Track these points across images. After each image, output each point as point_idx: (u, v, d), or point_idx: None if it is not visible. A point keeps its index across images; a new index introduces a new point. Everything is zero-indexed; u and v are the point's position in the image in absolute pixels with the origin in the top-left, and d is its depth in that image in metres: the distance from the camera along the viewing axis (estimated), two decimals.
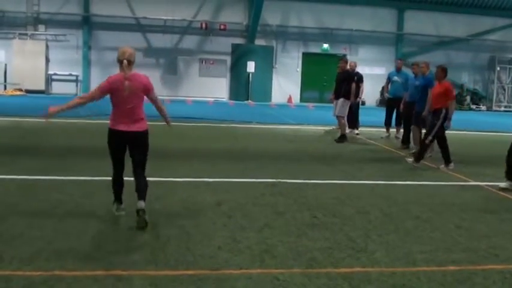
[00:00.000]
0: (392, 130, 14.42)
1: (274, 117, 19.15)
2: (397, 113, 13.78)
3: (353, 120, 14.62)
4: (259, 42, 28.64)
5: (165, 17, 27.63)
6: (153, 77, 26.77)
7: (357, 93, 14.35)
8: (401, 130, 13.29)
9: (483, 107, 31.35)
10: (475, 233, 5.93)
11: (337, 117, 13.38)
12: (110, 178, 5.94)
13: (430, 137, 9.82)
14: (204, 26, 28.18)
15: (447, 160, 9.93)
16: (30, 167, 8.48)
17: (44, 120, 5.89)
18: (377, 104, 28.22)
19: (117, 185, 5.90)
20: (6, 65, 26.23)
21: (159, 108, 5.87)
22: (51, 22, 27.07)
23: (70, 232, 5.30)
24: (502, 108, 31.73)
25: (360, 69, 15.65)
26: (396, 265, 4.80)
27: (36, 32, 26.99)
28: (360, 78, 14.64)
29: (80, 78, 27.22)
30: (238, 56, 28.40)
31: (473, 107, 31.04)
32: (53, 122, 14.67)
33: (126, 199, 6.09)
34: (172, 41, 28.38)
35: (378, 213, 6.57)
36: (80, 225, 5.53)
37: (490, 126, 18.75)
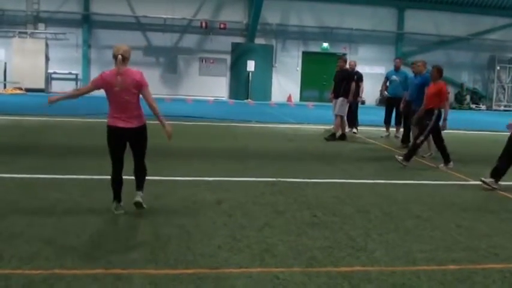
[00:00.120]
0: (392, 129, 14.42)
1: (274, 116, 19.14)
2: (396, 112, 13.79)
3: (352, 119, 14.62)
4: (259, 41, 28.64)
5: (165, 16, 27.63)
6: (153, 75, 26.91)
7: (357, 92, 14.34)
8: (401, 129, 13.30)
9: (483, 107, 31.36)
10: (475, 232, 5.93)
11: (336, 116, 13.37)
12: (109, 177, 5.94)
13: (421, 137, 9.79)
14: (204, 24, 28.19)
15: (446, 159, 9.93)
16: (30, 165, 8.47)
17: (46, 105, 5.98)
18: (377, 103, 28.25)
19: (116, 183, 5.91)
20: (6, 63, 26.24)
21: (150, 106, 5.69)
22: (51, 20, 27.07)
23: (69, 231, 5.30)
24: (502, 108, 31.75)
25: (359, 69, 15.65)
26: (396, 264, 4.80)
27: (36, 31, 27.00)
28: (359, 78, 14.63)
29: (80, 76, 27.23)
30: (238, 55, 28.40)
31: (473, 106, 31.06)
32: (52, 120, 14.69)
33: (126, 198, 6.09)
34: (172, 39, 28.38)
35: (378, 212, 6.57)
36: (79, 224, 5.53)
37: (489, 126, 18.75)
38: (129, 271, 4.33)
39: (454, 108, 29.95)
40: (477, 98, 31.73)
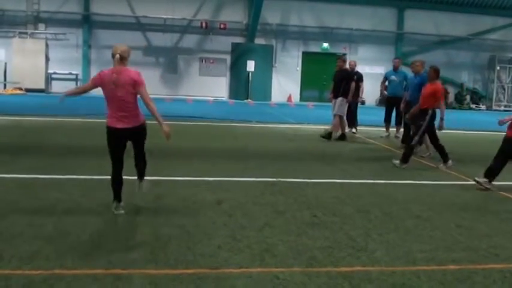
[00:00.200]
0: (392, 129, 14.41)
1: (274, 116, 19.14)
2: (396, 111, 13.79)
3: (351, 119, 14.62)
4: (259, 41, 28.64)
5: (165, 16, 27.63)
6: (153, 76, 26.92)
7: (357, 92, 14.34)
8: (401, 129, 13.30)
9: (483, 107, 31.36)
10: (475, 232, 5.93)
11: (334, 115, 13.37)
12: (109, 177, 5.95)
13: (416, 138, 9.79)
14: (204, 25, 28.19)
15: (445, 158, 9.92)
16: (30, 165, 8.47)
17: (61, 98, 6.08)
18: (377, 103, 28.25)
19: (116, 183, 5.91)
20: (6, 63, 26.24)
21: (147, 105, 5.66)
22: (51, 21, 27.07)
23: (70, 231, 5.30)
24: (502, 108, 31.74)
25: (359, 69, 15.66)
26: (396, 264, 4.80)
27: (36, 31, 27.00)
28: (359, 78, 14.62)
29: (80, 77, 27.23)
30: (238, 55, 28.40)
31: (473, 106, 31.06)
32: (52, 120, 14.69)
33: (126, 198, 6.09)
34: (172, 40, 28.39)
35: (378, 212, 6.57)
36: (79, 224, 5.53)
37: (489, 126, 18.72)
38: (129, 271, 4.33)
39: (454, 108, 29.99)
40: (477, 98, 31.73)
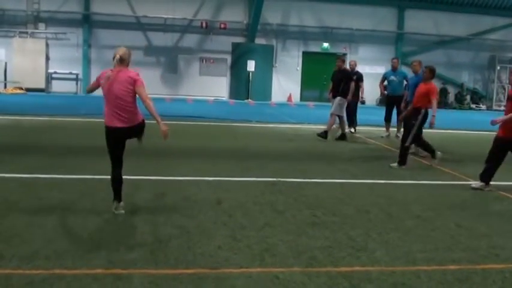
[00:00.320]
0: (392, 129, 14.41)
1: (274, 116, 19.14)
2: (397, 111, 13.78)
3: (351, 119, 14.63)
4: (259, 41, 28.63)
5: (165, 16, 27.63)
6: (154, 75, 26.91)
7: (357, 92, 14.34)
8: (402, 129, 13.28)
9: (483, 107, 31.35)
10: (475, 232, 5.93)
11: (331, 114, 13.36)
12: (109, 177, 5.95)
13: (409, 139, 9.79)
14: (204, 24, 28.19)
15: (432, 153, 9.91)
16: (30, 165, 8.48)
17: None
18: (377, 103, 28.24)
19: (116, 183, 5.92)
20: (6, 63, 26.23)
21: (144, 103, 5.68)
22: (51, 20, 27.06)
23: (70, 230, 5.31)
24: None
25: (360, 68, 15.66)
26: (396, 264, 4.80)
27: (37, 31, 27.00)
28: (359, 78, 14.63)
29: (80, 76, 27.23)
30: (239, 55, 28.39)
31: (473, 106, 31.05)
32: (52, 120, 14.69)
33: (126, 198, 6.10)
34: (172, 39, 28.38)
35: (378, 212, 6.57)
36: (79, 224, 5.54)
37: (490, 126, 18.71)
38: (129, 271, 4.33)
39: (454, 108, 29.98)
40: (477, 98, 31.73)
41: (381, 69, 27.11)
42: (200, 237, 5.25)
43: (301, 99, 29.58)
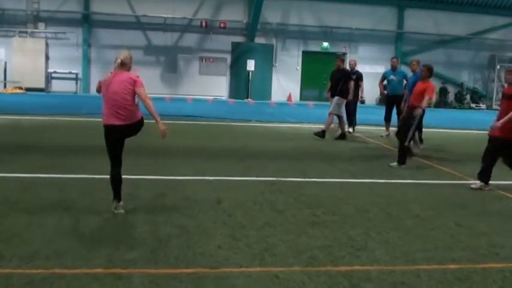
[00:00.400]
0: (392, 129, 14.39)
1: (274, 115, 19.13)
2: (397, 110, 13.77)
3: (350, 118, 14.63)
4: (259, 40, 28.61)
5: (165, 15, 27.61)
6: (153, 75, 26.88)
7: (357, 91, 14.34)
8: None
9: (483, 106, 31.34)
10: (474, 231, 5.93)
11: (329, 114, 13.36)
12: (109, 176, 5.96)
13: (408, 137, 9.79)
14: (204, 24, 28.16)
15: (409, 154, 9.88)
16: (30, 165, 8.48)
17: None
18: (377, 102, 28.22)
19: (116, 182, 5.93)
20: (6, 63, 26.19)
21: (144, 102, 5.76)
22: (51, 20, 27.04)
23: (70, 230, 5.31)
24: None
25: (359, 68, 15.64)
26: (396, 263, 4.80)
27: (36, 30, 26.97)
28: (359, 77, 14.62)
29: (80, 76, 27.20)
30: (238, 54, 28.38)
31: (473, 105, 31.04)
32: (52, 120, 14.69)
33: (126, 197, 6.10)
34: (172, 39, 28.35)
35: (378, 211, 6.58)
36: (79, 223, 5.54)
37: (489, 125, 18.72)
38: (129, 270, 4.33)
39: (454, 107, 29.98)
40: (477, 97, 31.72)
41: (381, 69, 27.08)
42: (200, 237, 5.26)
43: (301, 98, 29.56)
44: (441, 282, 4.40)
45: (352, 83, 13.61)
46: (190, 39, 28.53)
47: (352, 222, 6.06)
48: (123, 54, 5.90)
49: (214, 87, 28.65)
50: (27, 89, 25.29)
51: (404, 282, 4.37)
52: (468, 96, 31.35)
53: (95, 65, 26.98)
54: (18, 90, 25.09)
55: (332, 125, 13.84)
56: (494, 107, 31.39)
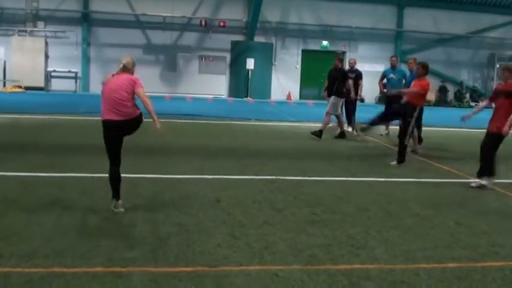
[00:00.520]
0: (392, 127, 14.38)
1: (273, 114, 19.13)
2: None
3: (350, 117, 14.62)
4: (258, 39, 28.59)
5: (164, 14, 27.58)
6: (153, 73, 26.85)
7: (356, 90, 14.33)
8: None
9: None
10: (474, 230, 5.93)
11: (326, 113, 13.34)
12: (108, 175, 5.96)
13: (407, 136, 9.80)
14: (203, 23, 28.13)
15: (402, 159, 9.86)
16: (30, 163, 8.47)
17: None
18: (376, 101, 28.21)
19: (114, 180, 5.93)
20: (5, 61, 26.16)
21: (142, 101, 5.84)
22: (50, 19, 27.01)
23: (69, 229, 5.30)
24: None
25: (359, 66, 15.61)
26: (395, 262, 4.80)
27: (36, 29, 26.94)
28: (358, 75, 14.61)
29: (79, 75, 27.16)
30: (238, 53, 28.36)
31: (473, 104, 31.03)
32: (51, 118, 14.68)
33: (125, 196, 6.09)
34: (171, 37, 28.33)
35: (378, 210, 6.57)
36: (78, 222, 5.53)
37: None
38: (128, 269, 4.33)
39: (453, 106, 29.97)
40: (477, 95, 31.70)
41: (380, 67, 27.05)
42: (199, 235, 5.25)
43: (301, 97, 29.54)
44: (441, 281, 4.40)
45: (350, 82, 13.59)
46: (190, 38, 28.50)
47: (352, 220, 6.06)
48: (125, 59, 5.97)
49: (214, 86, 28.63)
50: (27, 88, 25.27)
51: (404, 281, 4.36)
52: (468, 95, 31.34)
53: (94, 63, 26.95)
54: (17, 89, 25.06)
55: (330, 124, 13.84)
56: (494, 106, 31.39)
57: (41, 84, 26.23)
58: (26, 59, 25.93)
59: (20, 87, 25.31)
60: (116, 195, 5.96)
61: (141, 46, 27.52)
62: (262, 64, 28.18)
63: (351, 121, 14.81)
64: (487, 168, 8.08)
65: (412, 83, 10.06)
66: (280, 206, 6.52)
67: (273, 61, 29.34)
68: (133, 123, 5.90)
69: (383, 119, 11.62)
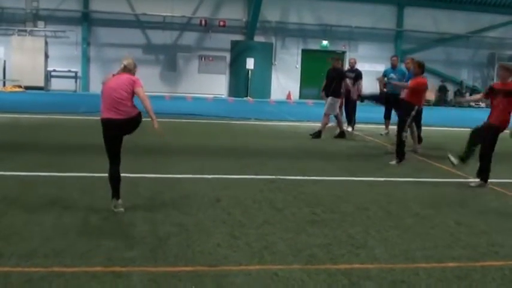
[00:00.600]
0: (392, 127, 14.37)
1: (273, 114, 19.13)
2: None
3: (350, 117, 14.62)
4: (258, 38, 28.59)
5: (164, 14, 27.58)
6: (153, 73, 26.85)
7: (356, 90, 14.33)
8: None
9: (482, 104, 31.26)
10: (474, 229, 5.93)
11: (324, 115, 13.33)
12: (108, 174, 5.96)
13: (405, 134, 9.80)
14: (203, 22, 28.13)
15: (401, 157, 9.86)
16: (29, 163, 8.47)
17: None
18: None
19: (114, 180, 5.94)
20: (5, 61, 26.17)
21: (142, 102, 5.85)
22: (50, 18, 27.00)
23: (69, 228, 5.30)
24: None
25: (359, 66, 15.62)
26: (395, 261, 4.80)
27: (35, 28, 26.93)
28: (358, 75, 14.61)
29: (79, 74, 27.17)
30: (238, 53, 28.36)
31: (473, 103, 31.01)
32: (51, 118, 14.69)
33: (125, 196, 6.09)
34: (171, 37, 28.33)
35: (377, 209, 6.57)
36: (78, 222, 5.53)
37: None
38: (128, 269, 4.33)
39: (453, 105, 29.97)
40: None
41: (381, 67, 27.06)
42: (199, 235, 5.25)
43: (300, 97, 29.54)
44: (440, 281, 4.40)
45: (348, 82, 13.60)
46: (190, 38, 28.50)
47: (352, 220, 6.06)
48: (126, 60, 6.01)
49: (214, 85, 28.63)
50: (27, 88, 25.27)
51: (404, 281, 4.37)
52: (467, 95, 31.33)
53: (94, 63, 26.95)
54: (17, 89, 25.06)
55: (330, 124, 13.84)
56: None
57: (41, 83, 26.23)
58: (26, 58, 25.93)
59: (19, 86, 25.31)
60: (116, 194, 5.96)
61: (141, 46, 27.52)
62: (262, 64, 28.18)
63: (351, 121, 14.82)
64: (485, 170, 8.08)
65: (409, 82, 10.10)
66: (280, 206, 6.52)
67: (273, 61, 29.34)
68: (132, 122, 5.91)
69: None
